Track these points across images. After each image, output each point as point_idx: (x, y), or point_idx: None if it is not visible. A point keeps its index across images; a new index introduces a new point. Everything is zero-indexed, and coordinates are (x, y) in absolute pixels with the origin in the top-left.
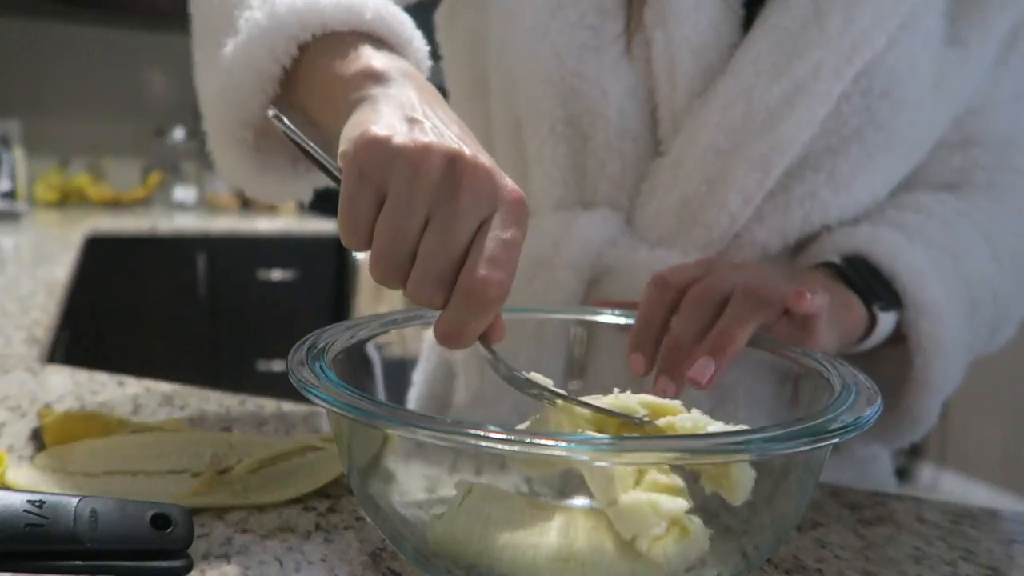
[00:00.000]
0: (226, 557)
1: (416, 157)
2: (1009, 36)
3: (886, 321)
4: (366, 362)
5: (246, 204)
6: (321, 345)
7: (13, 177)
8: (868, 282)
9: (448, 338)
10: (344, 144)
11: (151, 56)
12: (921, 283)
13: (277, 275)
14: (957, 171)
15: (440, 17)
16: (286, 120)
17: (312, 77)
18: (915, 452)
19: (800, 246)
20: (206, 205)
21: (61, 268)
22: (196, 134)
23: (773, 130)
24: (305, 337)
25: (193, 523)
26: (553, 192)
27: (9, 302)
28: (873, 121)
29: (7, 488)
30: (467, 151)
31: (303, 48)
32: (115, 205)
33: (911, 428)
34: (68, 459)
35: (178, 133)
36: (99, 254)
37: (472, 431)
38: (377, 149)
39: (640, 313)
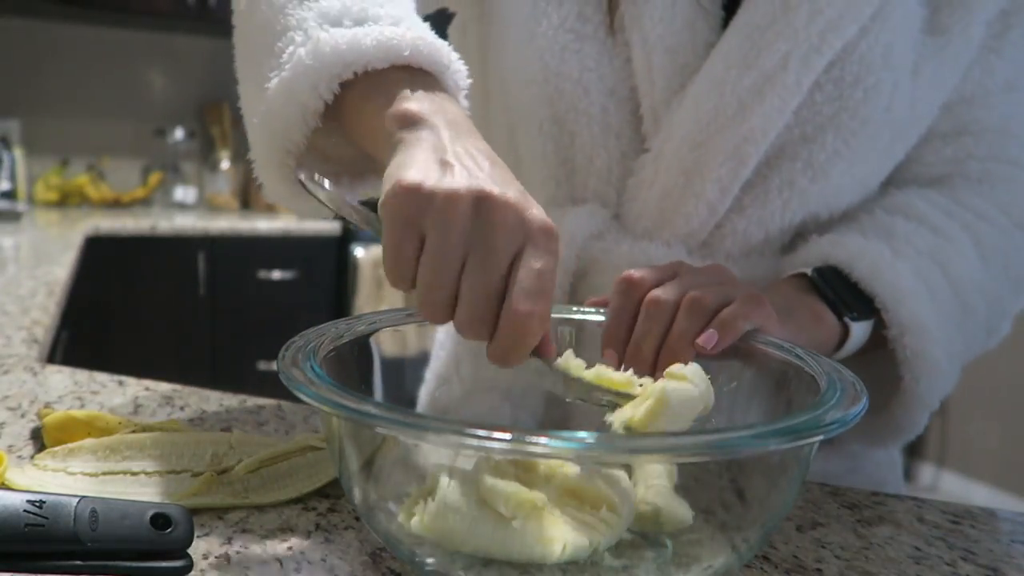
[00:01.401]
0: (226, 557)
1: (446, 203)
2: (999, 24)
3: (859, 330)
4: (361, 360)
5: (246, 204)
6: (312, 344)
7: (13, 177)
8: (839, 293)
9: (500, 362)
10: (382, 194)
11: (151, 56)
12: (902, 300)
13: (277, 275)
14: (950, 161)
15: (453, 30)
16: (316, 184)
17: (354, 115)
18: (915, 452)
19: (787, 238)
20: (206, 205)
21: (61, 268)
22: (196, 134)
23: (745, 120)
24: (296, 336)
25: (193, 523)
26: (545, 189)
27: (9, 302)
28: (847, 108)
29: (7, 488)
30: (495, 190)
31: (345, 84)
32: (115, 205)
33: (895, 435)
34: (68, 459)
35: (178, 133)
36: (99, 254)
37: (464, 430)
38: (410, 198)
39: (609, 313)
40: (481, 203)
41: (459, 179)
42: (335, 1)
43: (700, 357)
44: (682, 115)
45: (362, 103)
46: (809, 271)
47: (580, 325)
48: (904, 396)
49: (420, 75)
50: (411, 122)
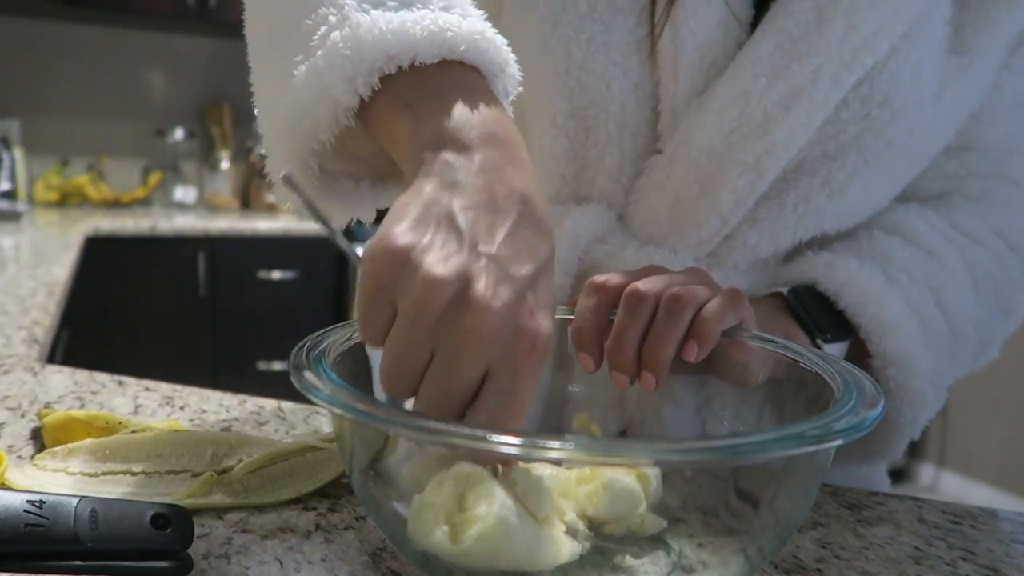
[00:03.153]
0: (226, 557)
1: (423, 287)
2: (1015, 40)
3: (831, 351)
4: (367, 362)
5: (246, 204)
6: (323, 346)
7: (13, 177)
8: (813, 315)
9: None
10: (371, 240)
11: (151, 56)
12: (887, 332)
13: (277, 275)
14: (951, 177)
15: None
16: (300, 190)
17: (385, 115)
18: (915, 452)
19: (791, 252)
20: (206, 205)
21: (61, 268)
22: (196, 134)
23: (768, 133)
24: (306, 338)
25: (193, 523)
26: (550, 185)
27: (9, 302)
28: (871, 129)
29: (7, 488)
30: (481, 286)
31: (383, 78)
32: (115, 205)
33: (870, 458)
34: (68, 459)
35: (178, 133)
36: (99, 254)
37: (474, 433)
38: (391, 264)
39: (578, 315)
40: (460, 300)
41: (449, 255)
42: None
43: (684, 362)
44: (703, 120)
45: (397, 103)
46: (785, 291)
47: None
48: (884, 424)
49: (470, 74)
50: (443, 142)
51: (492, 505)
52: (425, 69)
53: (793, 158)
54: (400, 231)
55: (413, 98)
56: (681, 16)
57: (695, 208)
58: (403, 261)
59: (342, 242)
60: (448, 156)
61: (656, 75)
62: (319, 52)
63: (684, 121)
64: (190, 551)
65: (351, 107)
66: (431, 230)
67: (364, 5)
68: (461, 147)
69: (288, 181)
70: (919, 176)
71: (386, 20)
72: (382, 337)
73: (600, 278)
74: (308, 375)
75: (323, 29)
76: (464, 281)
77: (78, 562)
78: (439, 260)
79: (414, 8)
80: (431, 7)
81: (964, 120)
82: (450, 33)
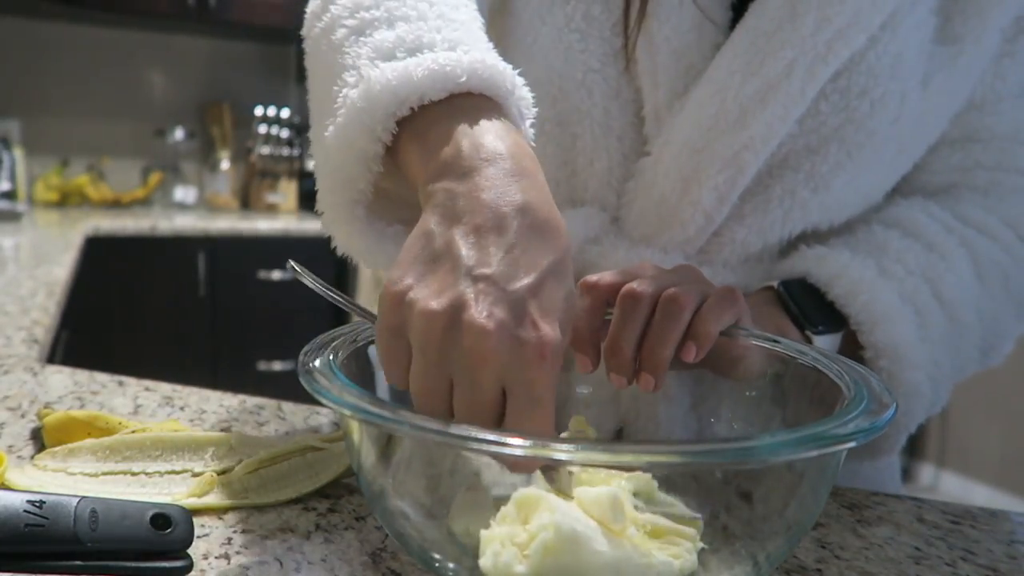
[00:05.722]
0: (226, 557)
1: (421, 322)
2: (1013, 28)
3: (823, 342)
4: (370, 363)
5: (246, 204)
6: (330, 348)
7: (13, 177)
8: (804, 308)
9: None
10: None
11: (151, 56)
12: (877, 323)
13: (277, 275)
14: (957, 170)
15: None
16: (307, 274)
17: (405, 155)
18: (915, 452)
19: (785, 246)
20: (206, 205)
21: (61, 268)
22: (196, 134)
23: (745, 128)
24: (313, 340)
25: (193, 523)
26: None
27: (9, 302)
28: (852, 120)
29: (7, 488)
30: (474, 309)
31: (403, 121)
32: (115, 205)
33: (870, 453)
34: (68, 459)
35: (178, 133)
36: (99, 254)
37: (482, 436)
38: (394, 305)
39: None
40: (455, 326)
41: (443, 286)
42: (389, 32)
43: (680, 359)
44: (683, 119)
45: (411, 142)
46: (776, 284)
47: None
48: None
49: (480, 101)
50: (448, 171)
51: (553, 514)
52: (436, 105)
53: (774, 152)
54: (400, 273)
55: (422, 134)
56: (655, 25)
57: (679, 206)
58: (404, 301)
59: (358, 309)
60: (450, 184)
61: (636, 81)
62: (341, 111)
63: (667, 122)
64: (190, 551)
65: (378, 154)
66: (430, 265)
67: (376, 61)
68: (464, 172)
69: (294, 270)
70: (924, 170)
71: (392, 68)
72: (405, 375)
73: (592, 278)
74: (318, 377)
75: (345, 91)
76: (457, 308)
77: (78, 562)
78: (433, 293)
79: (420, 53)
80: (436, 50)
81: (956, 109)
82: (449, 68)
